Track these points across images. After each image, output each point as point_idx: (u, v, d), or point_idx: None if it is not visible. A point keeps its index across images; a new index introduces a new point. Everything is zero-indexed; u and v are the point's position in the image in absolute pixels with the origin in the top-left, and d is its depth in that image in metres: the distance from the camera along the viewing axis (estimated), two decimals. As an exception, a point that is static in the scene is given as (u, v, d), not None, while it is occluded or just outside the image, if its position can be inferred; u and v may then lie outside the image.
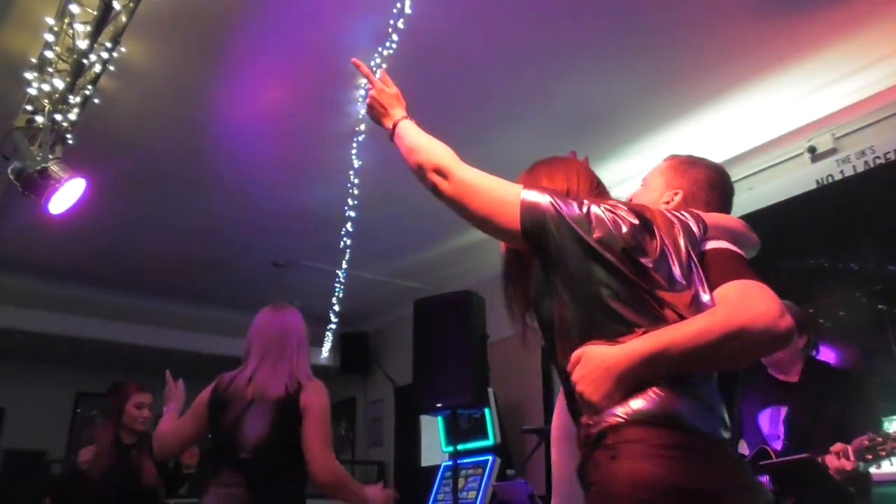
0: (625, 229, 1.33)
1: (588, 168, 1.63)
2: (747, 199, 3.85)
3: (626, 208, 1.39)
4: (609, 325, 1.28)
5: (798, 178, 3.77)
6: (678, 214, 1.44)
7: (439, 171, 1.47)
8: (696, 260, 1.36)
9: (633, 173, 4.31)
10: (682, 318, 1.27)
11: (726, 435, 1.26)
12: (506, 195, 1.41)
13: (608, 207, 1.38)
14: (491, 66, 3.39)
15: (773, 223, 3.70)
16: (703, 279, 1.34)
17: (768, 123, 3.84)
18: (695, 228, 1.42)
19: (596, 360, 1.25)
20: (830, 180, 3.64)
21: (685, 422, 1.20)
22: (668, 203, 1.63)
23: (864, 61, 3.35)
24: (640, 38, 3.19)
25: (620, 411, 1.22)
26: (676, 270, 1.33)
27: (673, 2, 2.97)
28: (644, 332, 1.25)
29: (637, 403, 1.21)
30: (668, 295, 1.30)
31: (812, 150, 3.73)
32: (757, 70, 3.40)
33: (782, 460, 2.54)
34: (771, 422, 2.64)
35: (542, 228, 1.35)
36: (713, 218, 1.50)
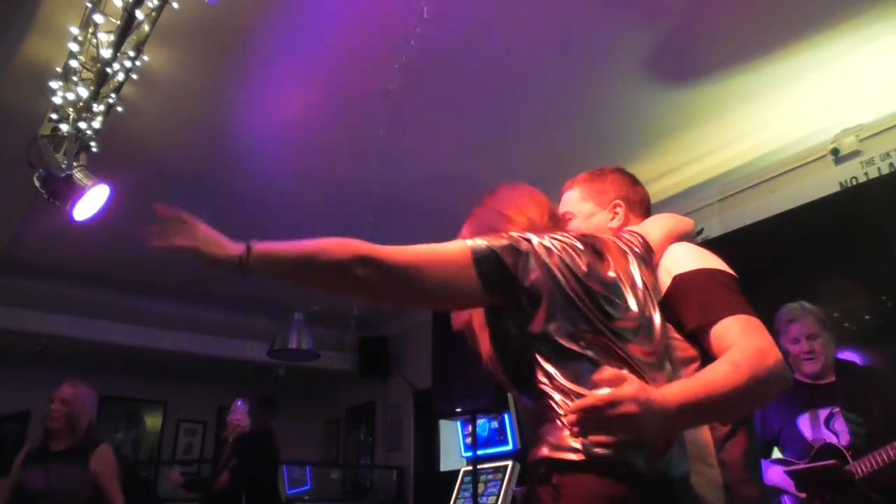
0: (578, 258, 1.32)
1: (540, 196, 1.55)
2: (770, 202, 3.81)
3: (575, 237, 1.37)
4: (571, 360, 1.25)
5: (821, 181, 3.72)
6: (626, 241, 1.45)
7: (366, 263, 1.23)
8: (650, 286, 1.36)
9: (655, 175, 4.29)
10: (630, 353, 1.25)
11: (681, 470, 1.24)
12: (451, 254, 1.29)
13: (560, 238, 1.35)
14: (509, 76, 3.38)
15: (797, 226, 3.66)
16: (656, 305, 1.35)
17: (791, 125, 3.80)
18: (643, 252, 1.43)
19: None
20: (854, 182, 3.59)
21: (632, 468, 1.16)
22: (614, 217, 1.64)
23: (889, 62, 3.30)
24: (660, 42, 3.17)
25: (571, 449, 1.19)
26: (630, 299, 1.32)
27: (692, 3, 2.95)
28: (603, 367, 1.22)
29: (591, 445, 1.17)
30: (621, 324, 1.29)
31: (835, 152, 3.68)
32: (780, 71, 3.36)
33: (808, 465, 2.53)
34: (813, 426, 2.61)
35: (503, 273, 1.27)
36: (658, 227, 1.53)
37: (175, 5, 2.73)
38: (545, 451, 1.23)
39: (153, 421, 7.76)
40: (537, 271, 1.27)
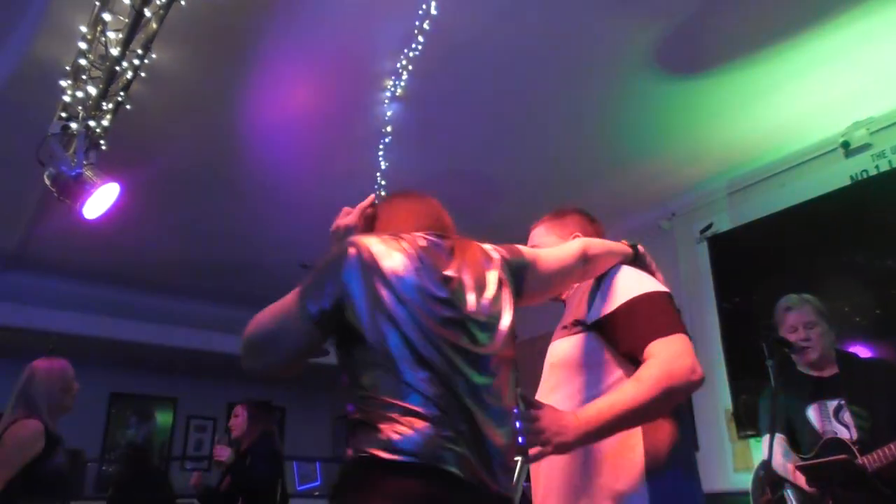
0: (409, 258, 1.33)
1: (426, 205, 1.60)
2: (779, 196, 3.79)
3: (425, 237, 1.42)
4: (383, 371, 1.25)
5: (832, 174, 3.70)
6: (499, 249, 1.51)
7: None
8: (507, 287, 1.42)
9: (665, 169, 4.27)
10: (448, 354, 1.27)
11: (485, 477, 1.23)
12: (284, 302, 1.36)
13: (394, 239, 1.38)
14: (518, 72, 3.37)
15: (807, 220, 3.64)
16: (510, 311, 1.40)
17: (801, 118, 3.77)
18: (508, 255, 1.50)
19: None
20: (865, 176, 3.57)
21: (430, 466, 1.16)
22: None
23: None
24: (670, 36, 3.15)
25: (367, 447, 1.19)
26: (470, 298, 1.35)
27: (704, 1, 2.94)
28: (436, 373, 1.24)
29: (394, 438, 1.17)
30: (449, 320, 1.30)
31: (846, 145, 3.66)
32: (790, 65, 3.34)
33: (819, 461, 2.51)
34: (822, 418, 2.61)
35: (330, 305, 1.29)
36: (596, 247, 1.65)
37: (183, 2, 2.73)
38: (349, 453, 1.23)
39: (164, 417, 7.80)
40: (351, 286, 1.30)
